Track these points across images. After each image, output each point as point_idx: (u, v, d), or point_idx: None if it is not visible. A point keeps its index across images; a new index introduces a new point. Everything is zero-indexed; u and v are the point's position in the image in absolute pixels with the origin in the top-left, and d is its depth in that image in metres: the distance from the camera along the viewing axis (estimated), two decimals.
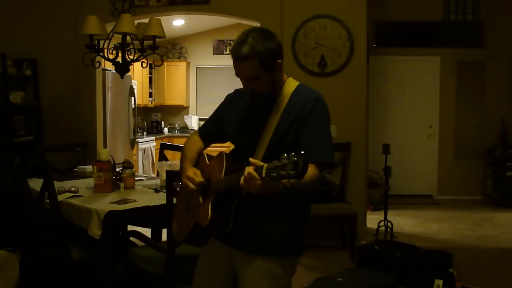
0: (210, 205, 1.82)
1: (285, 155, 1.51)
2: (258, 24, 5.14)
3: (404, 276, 3.48)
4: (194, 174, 1.92)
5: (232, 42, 9.42)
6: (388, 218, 5.17)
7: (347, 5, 4.97)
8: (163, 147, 4.72)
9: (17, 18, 5.41)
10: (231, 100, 2.09)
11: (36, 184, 3.28)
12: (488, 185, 7.39)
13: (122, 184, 3.50)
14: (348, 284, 3.17)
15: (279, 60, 1.85)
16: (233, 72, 1.89)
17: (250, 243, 1.90)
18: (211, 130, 2.14)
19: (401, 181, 7.31)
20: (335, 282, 3.18)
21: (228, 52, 9.08)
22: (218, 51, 9.16)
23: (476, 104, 7.58)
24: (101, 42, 3.93)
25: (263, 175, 1.54)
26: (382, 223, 5.19)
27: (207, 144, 2.16)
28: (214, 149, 2.07)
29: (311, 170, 1.74)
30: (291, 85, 1.94)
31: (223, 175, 1.82)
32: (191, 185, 1.90)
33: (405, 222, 6.00)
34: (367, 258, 3.80)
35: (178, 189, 2.27)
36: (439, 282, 3.41)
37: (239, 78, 1.89)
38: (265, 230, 1.89)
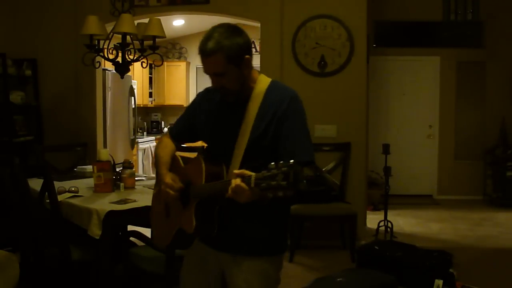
0: (193, 212, 1.81)
1: (273, 163, 1.50)
2: (258, 24, 5.14)
3: (404, 276, 3.48)
4: (173, 181, 1.91)
5: None
6: (388, 218, 5.17)
7: (347, 5, 4.97)
8: None
9: (17, 18, 5.41)
10: (201, 99, 2.05)
11: (36, 184, 3.28)
12: (488, 185, 7.38)
13: (122, 184, 3.50)
14: (348, 284, 3.17)
15: (247, 56, 1.82)
16: None
17: (236, 244, 1.89)
18: (182, 130, 2.11)
19: (401, 181, 7.31)
20: (335, 282, 3.17)
21: None
22: None
23: (476, 104, 7.58)
24: (101, 42, 3.93)
25: (252, 185, 1.53)
26: (382, 223, 5.20)
27: (178, 145, 2.13)
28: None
29: None
30: (263, 82, 1.91)
31: (203, 181, 1.80)
32: (172, 193, 1.88)
33: (405, 222, 6.00)
34: (367, 258, 3.80)
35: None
36: (439, 282, 3.41)
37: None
38: (250, 230, 1.88)
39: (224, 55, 1.76)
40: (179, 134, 2.13)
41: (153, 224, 2.14)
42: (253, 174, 1.54)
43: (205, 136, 2.01)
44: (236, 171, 1.61)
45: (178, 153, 2.11)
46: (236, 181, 1.58)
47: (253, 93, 1.87)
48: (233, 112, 1.89)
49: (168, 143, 2.11)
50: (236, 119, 1.87)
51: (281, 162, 1.48)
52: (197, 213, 1.81)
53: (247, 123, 1.84)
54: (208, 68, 1.82)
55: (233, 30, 1.81)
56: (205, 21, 7.98)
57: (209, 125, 1.97)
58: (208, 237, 1.91)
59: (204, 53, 1.78)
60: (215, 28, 1.80)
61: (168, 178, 1.93)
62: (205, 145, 2.05)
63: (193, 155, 2.04)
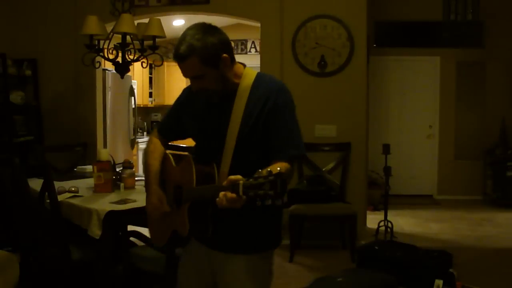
0: (186, 215, 1.79)
1: (260, 170, 1.48)
2: (258, 24, 5.14)
3: (404, 276, 3.48)
4: (160, 201, 1.89)
5: (233, 42, 9.41)
6: (388, 218, 5.17)
7: (347, 5, 4.97)
8: None
9: (17, 18, 5.40)
10: (187, 95, 2.00)
11: (36, 184, 3.27)
12: (488, 185, 7.38)
13: (122, 184, 3.50)
14: (348, 284, 3.17)
15: (224, 55, 1.75)
16: None
17: (228, 243, 1.87)
18: (171, 129, 2.08)
19: (401, 181, 7.31)
20: (335, 282, 3.18)
21: None
22: None
23: (476, 104, 7.58)
24: (101, 42, 3.93)
25: (240, 193, 1.50)
26: (382, 223, 5.20)
27: (167, 142, 2.09)
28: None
29: (284, 165, 1.70)
30: (249, 76, 1.84)
31: (194, 184, 1.76)
32: (155, 214, 1.88)
33: (405, 222, 6.00)
34: (367, 258, 3.80)
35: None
36: (439, 282, 3.41)
37: None
38: (242, 229, 1.86)
39: (198, 57, 1.70)
40: (167, 131, 2.09)
41: (149, 223, 2.12)
42: (241, 182, 1.50)
43: (193, 134, 1.98)
44: (226, 181, 1.56)
45: (169, 151, 2.07)
46: (226, 193, 1.54)
47: (239, 89, 1.82)
48: (220, 109, 1.85)
49: (157, 145, 2.06)
50: (223, 117, 1.82)
51: (269, 169, 1.47)
52: (191, 215, 1.79)
53: (235, 120, 1.79)
54: (185, 72, 1.77)
55: (206, 30, 1.74)
56: (205, 21, 8.00)
57: (196, 123, 1.93)
58: (203, 236, 1.90)
59: (177, 57, 1.73)
60: (187, 31, 1.74)
61: (155, 197, 1.90)
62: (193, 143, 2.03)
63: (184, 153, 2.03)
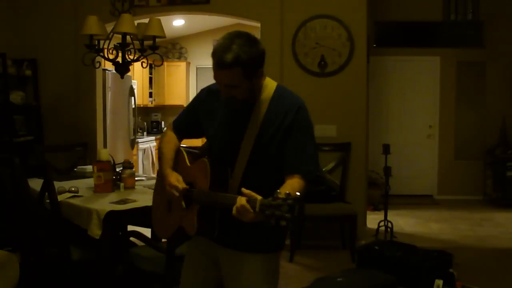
0: (195, 216, 1.81)
1: (279, 191, 1.49)
2: (258, 24, 5.14)
3: (404, 276, 3.48)
4: (177, 181, 1.89)
5: None
6: (388, 218, 5.17)
7: (347, 5, 4.97)
8: None
9: (17, 18, 5.40)
10: (206, 96, 2.01)
11: (36, 184, 3.27)
12: (488, 185, 7.39)
13: (122, 184, 3.50)
14: (348, 284, 3.17)
15: (260, 69, 1.80)
16: None
17: (237, 242, 1.89)
18: (186, 127, 2.09)
19: (401, 181, 7.31)
20: (335, 282, 3.18)
21: None
22: None
23: (476, 104, 7.58)
24: (101, 42, 3.93)
25: (257, 209, 1.52)
26: (382, 223, 5.20)
27: (181, 138, 2.11)
28: None
29: (297, 182, 1.75)
30: (269, 87, 1.88)
31: (208, 187, 1.79)
32: (176, 193, 1.87)
33: (405, 222, 6.00)
34: (367, 258, 3.80)
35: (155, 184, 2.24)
36: (439, 282, 3.41)
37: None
38: (252, 230, 1.84)
39: (241, 69, 1.72)
40: (182, 128, 2.10)
41: (154, 215, 2.14)
42: (259, 198, 1.53)
43: (209, 136, 1.99)
44: (244, 191, 1.58)
45: (183, 148, 2.08)
46: (242, 201, 1.56)
47: (259, 99, 1.85)
48: (238, 115, 1.87)
49: (172, 138, 2.08)
50: (241, 123, 1.85)
51: (287, 192, 1.48)
52: (199, 216, 1.81)
53: (252, 129, 1.82)
54: (221, 79, 1.77)
55: (252, 42, 1.75)
56: (205, 21, 8.01)
57: (213, 125, 1.95)
58: (209, 237, 1.92)
59: (221, 65, 1.71)
60: (234, 38, 1.73)
61: (173, 178, 1.91)
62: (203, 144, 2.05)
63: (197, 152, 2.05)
